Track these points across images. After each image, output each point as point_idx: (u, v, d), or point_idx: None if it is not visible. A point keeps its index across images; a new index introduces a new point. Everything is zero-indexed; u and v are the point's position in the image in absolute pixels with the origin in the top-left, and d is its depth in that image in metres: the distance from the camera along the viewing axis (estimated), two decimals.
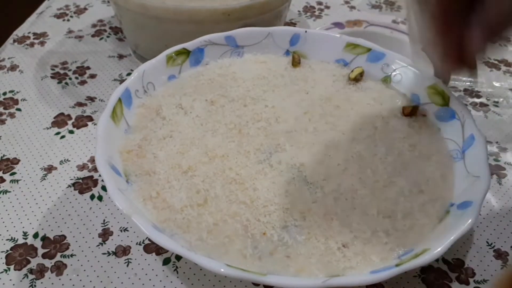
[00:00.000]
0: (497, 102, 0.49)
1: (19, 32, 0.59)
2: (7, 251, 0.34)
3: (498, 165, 0.42)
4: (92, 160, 0.41)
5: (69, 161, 0.41)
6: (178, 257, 0.34)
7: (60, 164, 0.41)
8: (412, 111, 0.37)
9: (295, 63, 0.42)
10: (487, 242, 0.36)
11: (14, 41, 0.57)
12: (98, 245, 0.34)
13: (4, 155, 0.41)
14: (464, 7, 0.27)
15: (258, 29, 0.43)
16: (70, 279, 0.32)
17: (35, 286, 0.32)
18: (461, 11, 0.28)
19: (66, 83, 0.50)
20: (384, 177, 0.32)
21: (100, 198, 0.38)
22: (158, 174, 0.32)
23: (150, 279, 0.32)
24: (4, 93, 0.48)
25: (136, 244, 0.35)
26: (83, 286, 0.32)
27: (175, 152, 0.34)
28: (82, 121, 0.45)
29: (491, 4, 0.26)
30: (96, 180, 0.39)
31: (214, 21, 0.45)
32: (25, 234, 0.35)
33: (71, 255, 0.34)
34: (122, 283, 0.32)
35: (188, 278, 0.33)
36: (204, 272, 0.33)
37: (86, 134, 0.44)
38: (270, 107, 0.38)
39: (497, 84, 0.52)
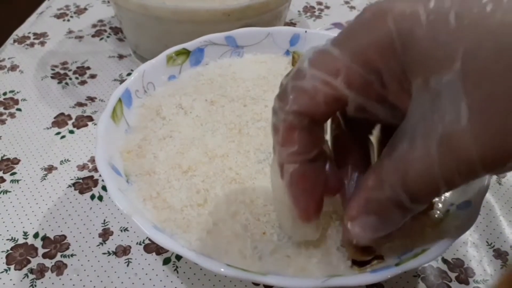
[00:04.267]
0: None
1: (19, 32, 0.59)
2: (7, 251, 0.34)
3: None
4: (92, 160, 0.41)
5: (69, 161, 0.41)
6: (178, 257, 0.34)
7: (60, 164, 0.41)
8: None
9: (295, 63, 0.42)
10: (487, 242, 0.36)
11: (14, 41, 0.57)
12: (98, 245, 0.34)
13: (4, 155, 0.41)
14: None
15: (258, 29, 0.42)
16: (71, 279, 0.32)
17: (35, 286, 0.32)
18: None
19: (66, 83, 0.50)
20: None
21: (100, 198, 0.38)
22: (158, 174, 0.32)
23: (150, 279, 0.32)
24: (4, 93, 0.48)
25: (136, 244, 0.35)
26: (83, 286, 0.32)
27: (175, 152, 0.33)
28: (82, 121, 0.45)
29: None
30: (96, 180, 0.39)
31: (214, 21, 0.45)
32: (25, 234, 0.35)
33: (72, 255, 0.34)
34: (122, 283, 0.32)
35: (188, 278, 0.33)
36: (204, 272, 0.33)
37: (86, 134, 0.44)
38: (270, 107, 0.37)
39: None
